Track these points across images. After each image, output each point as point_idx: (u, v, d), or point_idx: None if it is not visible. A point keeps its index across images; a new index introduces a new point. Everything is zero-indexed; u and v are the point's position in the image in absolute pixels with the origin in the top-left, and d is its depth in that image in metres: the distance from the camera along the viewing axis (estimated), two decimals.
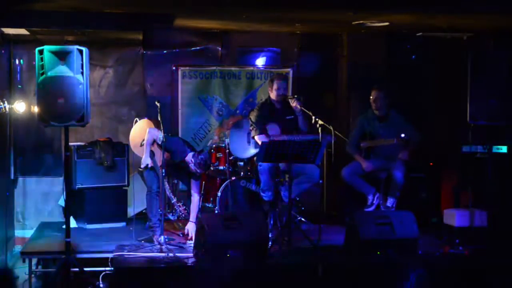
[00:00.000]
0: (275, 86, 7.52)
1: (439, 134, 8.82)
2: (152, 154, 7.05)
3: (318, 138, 6.87)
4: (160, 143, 6.94)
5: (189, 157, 6.97)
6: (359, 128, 7.87)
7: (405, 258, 6.43)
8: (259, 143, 7.29)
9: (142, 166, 7.06)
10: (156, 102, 7.16)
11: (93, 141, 8.17)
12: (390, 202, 7.61)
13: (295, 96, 7.49)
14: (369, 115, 7.83)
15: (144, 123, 7.43)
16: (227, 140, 7.75)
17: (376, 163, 7.71)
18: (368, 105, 7.91)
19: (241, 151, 7.66)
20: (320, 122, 7.00)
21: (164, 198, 7.22)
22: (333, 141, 7.10)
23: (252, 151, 7.62)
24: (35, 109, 6.30)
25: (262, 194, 7.41)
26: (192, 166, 6.94)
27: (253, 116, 7.60)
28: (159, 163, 6.92)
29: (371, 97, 7.77)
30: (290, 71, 9.11)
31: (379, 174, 7.74)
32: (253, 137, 7.53)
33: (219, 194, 7.57)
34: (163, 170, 6.81)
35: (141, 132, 7.32)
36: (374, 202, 7.67)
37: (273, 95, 7.55)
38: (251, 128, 7.53)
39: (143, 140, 7.15)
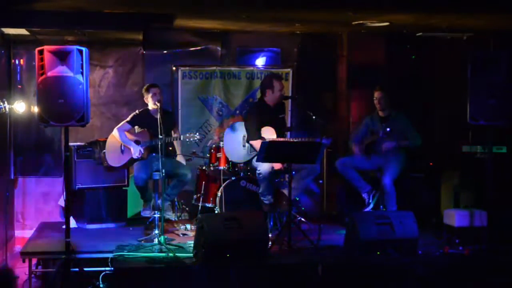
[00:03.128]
0: (278, 87, 7.48)
1: (439, 134, 8.82)
2: (137, 142, 7.31)
3: (315, 141, 6.86)
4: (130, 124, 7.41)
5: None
6: (363, 127, 7.87)
7: (405, 258, 6.43)
8: (256, 147, 7.27)
9: (137, 155, 7.16)
10: (157, 102, 7.19)
11: (93, 141, 8.17)
12: None
13: (296, 96, 7.50)
14: (374, 115, 7.83)
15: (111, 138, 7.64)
16: (221, 144, 7.73)
17: (375, 161, 7.68)
18: (370, 105, 7.90)
19: (235, 155, 7.61)
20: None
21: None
22: (330, 142, 7.12)
23: (247, 155, 7.57)
24: (35, 109, 6.30)
25: (262, 198, 7.40)
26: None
27: (248, 121, 7.57)
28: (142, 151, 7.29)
29: (374, 98, 7.76)
30: (290, 71, 9.11)
31: (376, 174, 7.73)
32: (248, 141, 7.52)
33: (219, 194, 7.57)
34: (163, 171, 6.82)
35: (113, 142, 7.56)
36: (371, 201, 7.65)
37: (274, 96, 7.49)
38: (246, 132, 7.53)
39: (121, 144, 7.40)
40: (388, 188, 7.45)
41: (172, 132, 7.60)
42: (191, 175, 7.50)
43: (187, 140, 7.28)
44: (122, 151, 7.52)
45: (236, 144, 7.60)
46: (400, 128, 7.67)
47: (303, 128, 8.15)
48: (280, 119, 7.57)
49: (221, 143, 7.85)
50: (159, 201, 7.13)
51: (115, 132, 7.48)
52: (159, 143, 6.81)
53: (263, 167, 7.23)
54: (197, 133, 7.24)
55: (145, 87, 7.59)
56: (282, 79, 7.64)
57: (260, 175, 7.29)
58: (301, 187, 7.45)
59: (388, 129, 7.46)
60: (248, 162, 7.61)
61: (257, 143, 7.27)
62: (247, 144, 7.53)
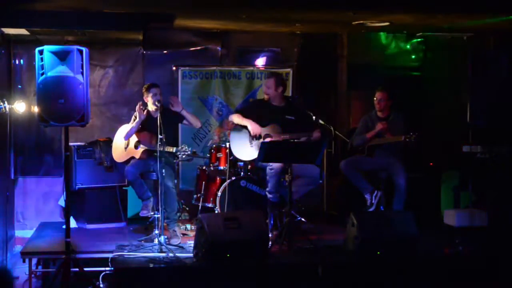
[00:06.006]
0: (266, 85, 7.56)
1: (439, 134, 8.82)
2: (137, 144, 7.36)
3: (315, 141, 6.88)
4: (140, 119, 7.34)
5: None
6: (363, 127, 7.85)
7: (405, 258, 6.43)
8: (233, 121, 7.51)
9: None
10: (156, 102, 7.19)
11: (93, 141, 8.18)
12: None
13: (296, 96, 7.49)
14: (372, 115, 7.81)
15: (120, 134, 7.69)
16: (227, 144, 7.72)
17: (379, 162, 7.67)
18: (370, 105, 7.89)
19: (242, 153, 7.61)
20: (320, 122, 7.03)
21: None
22: (333, 143, 7.12)
23: (254, 153, 7.58)
24: (35, 109, 6.30)
25: (269, 196, 7.36)
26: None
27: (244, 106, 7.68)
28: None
29: (375, 98, 7.74)
30: (290, 71, 9.11)
31: (379, 174, 7.72)
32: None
33: (219, 194, 7.56)
34: (163, 171, 6.82)
35: (118, 140, 7.63)
36: (373, 201, 7.64)
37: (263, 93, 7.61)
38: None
39: (124, 143, 7.46)
40: (403, 189, 7.42)
41: (192, 120, 7.57)
42: (174, 187, 7.39)
43: (178, 153, 7.26)
44: (125, 148, 7.52)
45: (243, 142, 7.58)
46: (398, 127, 7.63)
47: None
48: (287, 120, 7.52)
49: (222, 143, 7.86)
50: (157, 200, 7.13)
51: (125, 136, 7.49)
52: (158, 144, 6.80)
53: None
54: (190, 148, 7.17)
55: (145, 86, 7.57)
56: (272, 78, 7.56)
57: (272, 170, 7.23)
58: (301, 192, 7.44)
59: (411, 133, 7.41)
60: (255, 161, 7.59)
61: (236, 117, 7.50)
62: (254, 142, 7.51)
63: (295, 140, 7.17)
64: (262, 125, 7.45)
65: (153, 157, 7.23)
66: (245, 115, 7.51)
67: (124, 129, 7.60)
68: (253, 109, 7.63)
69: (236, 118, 7.54)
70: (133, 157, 7.43)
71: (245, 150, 7.55)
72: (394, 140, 7.47)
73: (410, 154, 7.71)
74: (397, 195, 7.46)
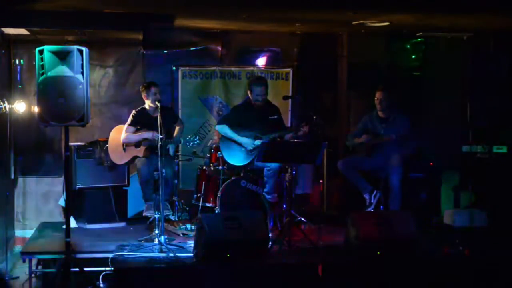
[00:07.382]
0: (254, 92, 7.49)
1: (439, 134, 8.82)
2: (138, 144, 7.39)
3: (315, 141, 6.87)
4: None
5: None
6: (361, 126, 7.86)
7: (405, 258, 6.43)
8: (218, 131, 7.56)
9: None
10: (157, 102, 7.19)
11: (93, 141, 8.18)
12: None
13: (296, 96, 7.48)
14: (373, 115, 7.81)
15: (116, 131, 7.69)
16: (219, 154, 7.72)
17: (377, 161, 7.67)
18: (370, 105, 7.89)
19: (236, 159, 7.59)
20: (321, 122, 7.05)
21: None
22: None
23: (247, 156, 7.57)
24: (35, 109, 6.30)
25: (267, 196, 7.36)
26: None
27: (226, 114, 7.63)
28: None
29: (376, 98, 7.74)
30: (290, 71, 9.11)
31: (378, 174, 7.72)
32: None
33: (219, 194, 7.56)
34: (164, 171, 6.82)
35: (115, 141, 7.63)
36: (373, 201, 7.64)
37: (253, 99, 7.52)
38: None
39: (124, 144, 7.47)
40: (397, 189, 7.43)
41: (176, 127, 7.60)
42: (172, 172, 7.43)
43: (187, 144, 7.29)
44: (124, 149, 7.53)
45: (233, 147, 7.57)
46: (399, 129, 7.63)
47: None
48: (271, 120, 7.53)
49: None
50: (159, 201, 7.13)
51: (123, 140, 7.50)
52: (159, 143, 6.80)
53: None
54: (197, 137, 7.21)
55: (144, 85, 7.59)
56: (261, 85, 7.55)
57: (270, 171, 7.25)
58: (308, 179, 7.47)
59: (394, 135, 7.46)
60: (252, 163, 7.58)
61: (226, 132, 7.49)
62: (243, 148, 7.51)
63: (296, 140, 7.18)
64: (248, 128, 7.45)
65: (154, 154, 7.23)
66: (231, 125, 7.50)
67: (117, 131, 7.58)
68: (237, 116, 7.60)
69: (227, 133, 7.52)
70: (136, 157, 7.43)
71: (237, 155, 7.54)
72: (388, 139, 7.50)
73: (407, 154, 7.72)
74: (391, 196, 7.48)
